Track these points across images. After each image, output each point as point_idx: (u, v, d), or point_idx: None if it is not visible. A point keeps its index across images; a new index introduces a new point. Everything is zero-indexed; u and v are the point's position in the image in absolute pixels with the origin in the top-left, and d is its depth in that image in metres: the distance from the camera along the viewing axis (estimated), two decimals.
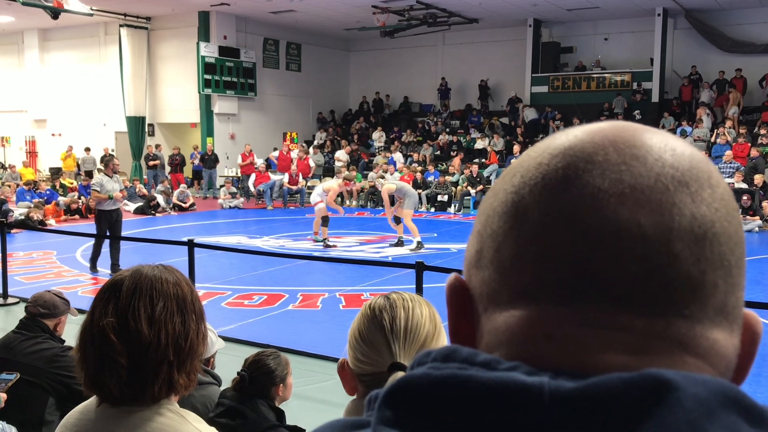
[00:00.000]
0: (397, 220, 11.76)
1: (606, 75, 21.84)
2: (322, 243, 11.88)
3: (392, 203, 11.54)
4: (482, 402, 0.39)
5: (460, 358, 0.42)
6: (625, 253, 0.42)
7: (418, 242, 11.44)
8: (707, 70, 20.61)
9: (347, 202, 19.14)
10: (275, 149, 21.34)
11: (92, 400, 1.49)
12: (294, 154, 20.43)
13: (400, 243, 11.80)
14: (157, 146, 21.89)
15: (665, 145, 0.45)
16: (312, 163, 20.14)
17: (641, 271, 0.42)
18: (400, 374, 1.23)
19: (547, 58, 22.77)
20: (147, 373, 1.42)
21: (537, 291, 0.44)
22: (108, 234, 9.62)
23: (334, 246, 11.89)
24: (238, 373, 2.76)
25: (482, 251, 0.48)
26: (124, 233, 10.19)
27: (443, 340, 1.31)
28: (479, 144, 21.50)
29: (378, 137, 23.45)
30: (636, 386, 0.37)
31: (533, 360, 0.41)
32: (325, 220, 11.84)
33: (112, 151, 22.26)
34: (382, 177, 13.54)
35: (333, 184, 12.32)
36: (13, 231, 12.77)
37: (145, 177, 21.32)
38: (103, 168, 10.01)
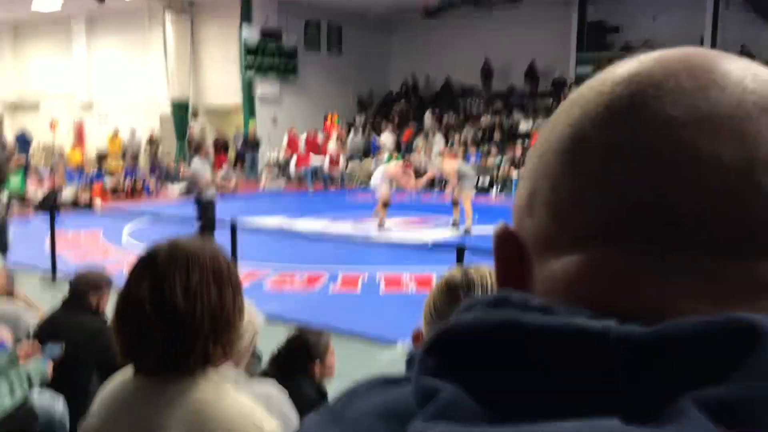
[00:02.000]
0: (455, 203, 11.74)
1: None
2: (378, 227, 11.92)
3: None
4: (538, 348, 0.35)
5: (512, 303, 0.38)
6: (703, 188, 0.37)
7: (466, 229, 11.35)
8: (760, 49, 19.93)
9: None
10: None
11: (129, 371, 1.48)
12: (333, 137, 20.46)
13: (455, 224, 11.76)
14: (202, 129, 22.12)
15: (745, 70, 0.40)
16: (331, 146, 19.98)
17: (722, 207, 0.37)
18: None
19: (593, 37, 22.30)
20: (182, 344, 1.40)
21: (600, 233, 0.39)
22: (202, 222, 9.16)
23: (389, 229, 11.90)
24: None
25: (535, 193, 0.42)
26: (168, 213, 10.33)
27: None
28: (522, 125, 21.21)
29: (429, 120, 22.56)
30: (721, 330, 0.33)
31: (596, 307, 0.36)
32: (385, 205, 11.93)
33: (156, 134, 22.61)
34: (442, 155, 13.53)
35: (393, 168, 12.42)
36: (60, 211, 13.08)
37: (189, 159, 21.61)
38: (193, 153, 9.82)
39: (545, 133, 0.44)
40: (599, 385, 0.34)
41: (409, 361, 0.43)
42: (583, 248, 0.39)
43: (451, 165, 11.88)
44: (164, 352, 1.39)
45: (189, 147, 21.78)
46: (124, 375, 1.50)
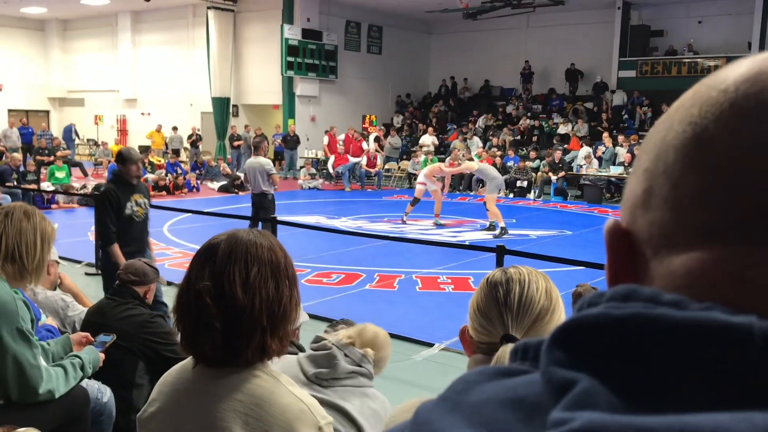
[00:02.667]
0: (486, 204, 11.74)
1: (698, 60, 20.86)
2: (401, 219, 12.36)
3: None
4: (676, 343, 0.35)
5: (642, 297, 0.38)
6: None
7: (502, 228, 11.29)
8: None
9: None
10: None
11: (189, 361, 1.52)
12: (371, 137, 20.49)
13: (491, 227, 11.69)
14: (246, 127, 22.29)
15: None
16: (365, 146, 20.00)
17: None
18: (510, 346, 1.23)
19: (636, 41, 21.98)
20: (241, 337, 1.44)
21: (726, 229, 0.39)
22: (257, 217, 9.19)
23: (406, 223, 12.28)
24: None
25: (652, 190, 0.42)
26: (210, 209, 10.47)
27: (560, 315, 1.32)
28: (562, 129, 21.01)
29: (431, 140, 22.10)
30: None
31: (723, 304, 0.36)
32: (415, 201, 12.24)
33: (199, 130, 22.94)
34: (464, 156, 13.56)
35: (440, 165, 12.71)
36: None
37: (228, 156, 21.87)
38: (255, 151, 9.88)
39: (660, 131, 0.44)
40: (742, 380, 0.34)
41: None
42: (706, 245, 0.39)
43: (468, 165, 11.98)
44: (223, 344, 1.43)
45: (231, 144, 22.05)
46: (184, 364, 1.54)
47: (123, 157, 5.83)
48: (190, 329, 1.47)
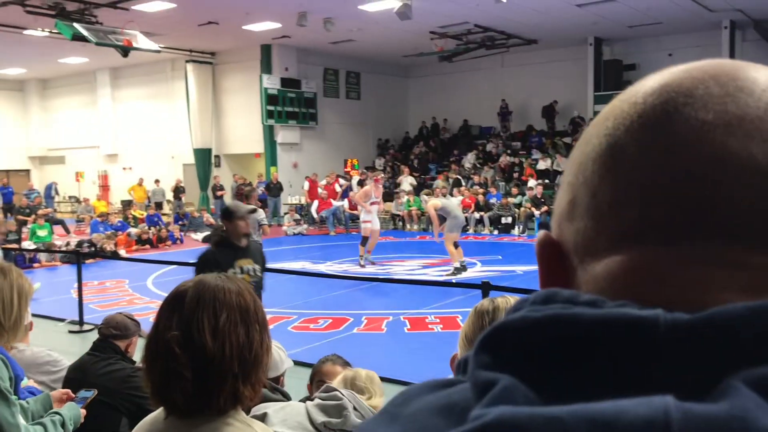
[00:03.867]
0: (455, 244, 11.53)
1: None
2: (360, 261, 12.08)
3: (442, 221, 11.33)
4: (590, 339, 0.37)
5: (561, 299, 0.40)
6: (737, 186, 0.39)
7: (456, 267, 11.11)
8: None
9: (408, 226, 19.13)
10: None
11: (160, 412, 1.49)
12: (354, 181, 20.60)
13: (463, 268, 11.48)
14: (234, 176, 22.19)
15: None
16: (338, 188, 20.07)
17: (756, 203, 0.39)
18: None
19: (610, 76, 22.40)
20: (212, 385, 1.41)
21: (641, 232, 0.41)
22: None
23: (365, 266, 12.08)
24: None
25: (575, 201, 0.45)
26: (193, 260, 10.41)
27: None
28: (541, 165, 21.23)
29: (408, 181, 21.92)
30: (765, 313, 0.35)
31: (641, 302, 0.38)
32: (363, 240, 12.00)
33: (182, 183, 22.94)
34: (428, 194, 13.30)
35: (363, 189, 12.61)
36: (87, 261, 13.24)
37: (212, 207, 21.84)
38: (246, 200, 9.89)
39: (580, 146, 0.46)
40: (650, 369, 0.35)
41: (458, 366, 0.45)
42: (623, 249, 0.41)
43: (434, 202, 11.52)
44: (195, 393, 1.40)
45: (213, 194, 22.05)
46: (156, 415, 1.51)
47: (229, 212, 4.91)
48: (160, 379, 1.44)
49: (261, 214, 9.51)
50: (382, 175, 13.13)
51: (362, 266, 11.91)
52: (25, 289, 2.65)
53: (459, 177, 21.33)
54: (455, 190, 19.50)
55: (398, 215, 19.69)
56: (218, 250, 4.81)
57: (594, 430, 0.32)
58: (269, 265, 8.76)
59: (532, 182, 19.62)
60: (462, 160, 23.40)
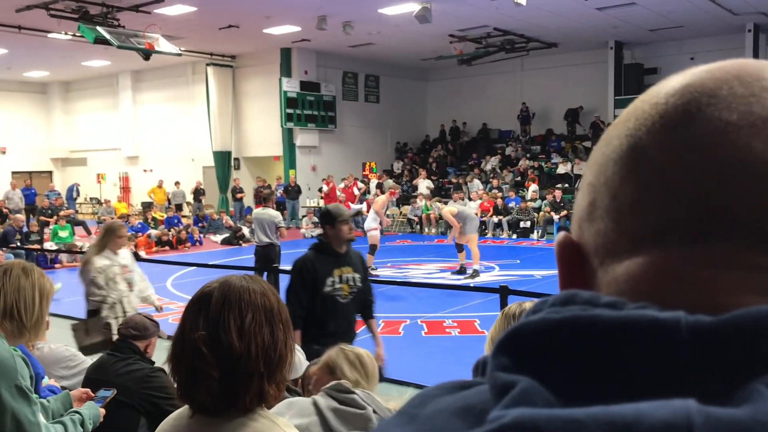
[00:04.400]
0: (459, 247, 11.56)
1: None
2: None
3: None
4: (611, 341, 0.36)
5: (581, 300, 0.39)
6: (761, 188, 0.38)
7: (475, 270, 11.17)
8: None
9: (426, 230, 19.11)
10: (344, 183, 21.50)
11: (185, 410, 1.50)
12: (372, 184, 20.62)
13: (462, 270, 11.61)
14: (257, 179, 22.15)
15: None
16: (356, 191, 20.12)
17: None
18: None
19: (630, 80, 22.24)
20: (239, 384, 1.43)
21: (662, 234, 0.40)
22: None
23: (377, 276, 11.73)
24: None
25: (595, 202, 0.44)
26: (212, 261, 10.48)
27: None
28: (561, 169, 21.12)
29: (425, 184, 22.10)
30: None
31: (661, 304, 0.38)
32: (372, 249, 11.67)
33: (202, 185, 23.11)
34: (440, 201, 13.41)
35: (381, 198, 12.37)
36: None
37: (231, 209, 21.96)
38: (264, 203, 9.98)
39: (601, 147, 0.46)
40: (671, 371, 0.35)
41: (476, 368, 0.44)
42: (644, 251, 0.41)
43: (449, 209, 11.75)
44: (221, 392, 1.42)
45: (233, 197, 22.18)
46: (181, 413, 1.52)
47: (331, 215, 4.40)
48: (187, 379, 1.45)
49: (278, 216, 9.55)
50: (400, 190, 13.02)
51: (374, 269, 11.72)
52: (47, 288, 2.68)
53: (475, 180, 21.25)
54: (473, 193, 19.47)
55: (414, 219, 19.66)
56: (316, 257, 4.29)
57: None
58: (287, 267, 8.80)
59: (534, 187, 19.61)
60: (481, 164, 23.33)
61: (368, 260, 11.52)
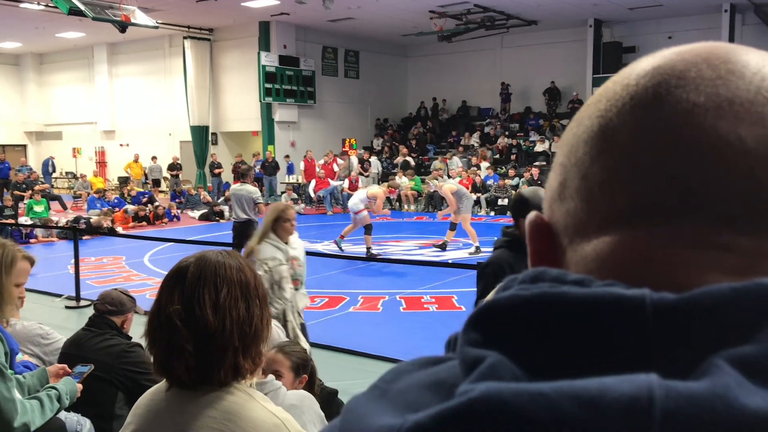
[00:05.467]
0: (453, 226, 11.65)
1: None
2: (367, 252, 11.27)
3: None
4: (578, 317, 0.37)
5: (549, 278, 0.40)
6: (726, 168, 0.39)
7: (477, 247, 11.32)
8: None
9: (406, 207, 19.15)
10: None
11: (162, 384, 1.52)
12: (353, 160, 20.56)
13: (443, 246, 11.70)
14: (237, 156, 21.94)
15: (763, 61, 0.43)
16: (336, 168, 20.08)
17: (745, 186, 0.39)
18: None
19: (609, 58, 22.30)
20: (213, 358, 1.44)
21: (630, 214, 0.41)
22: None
23: (379, 254, 11.54)
24: None
25: (566, 182, 0.45)
26: (189, 237, 10.42)
27: None
28: (539, 147, 21.22)
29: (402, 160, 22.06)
30: (748, 294, 0.36)
31: (628, 282, 0.39)
32: (368, 228, 11.44)
33: (178, 160, 22.88)
34: (437, 178, 13.35)
35: (378, 190, 12.10)
36: (84, 237, 13.24)
37: (209, 185, 21.79)
38: (242, 179, 9.75)
39: (573, 128, 0.47)
40: (636, 347, 0.36)
41: (448, 344, 0.46)
42: (612, 230, 0.42)
43: (449, 186, 11.81)
44: (197, 366, 1.43)
45: (211, 172, 22.01)
46: (158, 387, 1.54)
47: (527, 202, 3.39)
48: (163, 353, 1.47)
49: (257, 192, 9.48)
50: (398, 190, 12.62)
51: (375, 254, 11.21)
52: (8, 260, 2.66)
53: (454, 158, 21.28)
54: (453, 171, 19.51)
55: (393, 196, 19.68)
56: (511, 257, 3.48)
57: (579, 407, 0.32)
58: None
59: (484, 165, 19.79)
60: (461, 141, 23.35)
61: (366, 241, 11.39)
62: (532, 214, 0.48)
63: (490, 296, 0.43)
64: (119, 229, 15.46)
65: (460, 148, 22.38)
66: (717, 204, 0.39)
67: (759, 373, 0.33)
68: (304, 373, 2.89)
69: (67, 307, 8.32)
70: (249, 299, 1.48)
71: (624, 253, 0.41)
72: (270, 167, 21.17)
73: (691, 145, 0.40)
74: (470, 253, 11.22)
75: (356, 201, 11.66)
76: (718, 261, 0.39)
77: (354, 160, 21.09)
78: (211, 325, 1.43)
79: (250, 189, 9.33)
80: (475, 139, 23.26)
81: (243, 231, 9.26)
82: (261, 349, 1.50)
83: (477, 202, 18.39)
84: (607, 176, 0.42)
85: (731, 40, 20.23)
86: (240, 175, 10.09)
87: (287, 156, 22.03)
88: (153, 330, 1.49)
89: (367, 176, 20.83)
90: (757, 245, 0.39)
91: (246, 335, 1.46)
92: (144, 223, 16.65)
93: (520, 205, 3.49)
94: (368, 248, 11.36)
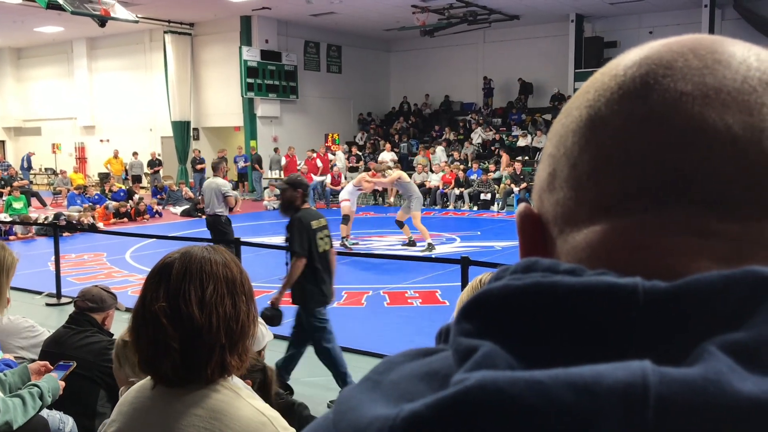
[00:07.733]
0: (400, 224, 11.46)
1: None
2: (341, 242, 11.15)
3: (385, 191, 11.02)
4: (570, 306, 0.37)
5: (541, 267, 0.40)
6: (714, 155, 0.40)
7: (429, 243, 11.15)
8: None
9: (388, 201, 19.15)
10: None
11: (147, 381, 1.50)
12: (340, 155, 20.51)
13: (412, 243, 11.55)
14: (220, 151, 21.77)
15: (748, 51, 0.44)
16: (319, 163, 20.02)
17: (732, 172, 0.40)
18: None
19: (591, 53, 22.43)
20: (200, 356, 1.42)
21: (619, 202, 0.42)
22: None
23: (356, 244, 11.61)
24: None
25: (555, 172, 0.46)
26: (172, 234, 10.34)
27: None
28: (521, 141, 21.30)
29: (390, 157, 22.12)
30: (739, 282, 0.36)
31: (619, 270, 0.39)
32: (345, 219, 11.41)
33: (159, 155, 22.68)
34: (388, 168, 12.96)
35: (362, 176, 12.09)
36: (65, 234, 13.10)
37: (191, 180, 21.65)
38: (213, 172, 9.60)
39: (561, 119, 0.47)
40: (629, 335, 0.36)
41: (439, 335, 0.46)
42: (602, 219, 0.42)
43: (399, 174, 11.54)
44: (183, 363, 1.41)
45: (193, 168, 21.85)
46: (143, 384, 1.52)
47: None
48: (148, 350, 1.45)
49: (226, 185, 9.29)
50: (381, 174, 12.47)
51: (348, 248, 11.19)
52: (8, 262, 2.63)
53: (437, 151, 21.30)
54: (435, 165, 19.55)
55: (378, 190, 19.66)
56: None
57: (574, 394, 0.33)
58: (248, 239, 8.70)
59: (441, 152, 19.67)
60: (443, 135, 23.37)
61: (342, 230, 11.31)
62: (521, 206, 0.48)
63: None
64: (100, 225, 15.32)
65: (444, 144, 22.40)
66: (705, 191, 0.40)
67: (751, 359, 0.34)
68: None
69: (48, 305, 8.24)
70: (235, 295, 1.47)
71: (614, 241, 0.42)
72: (253, 162, 21.10)
73: (679, 133, 0.40)
74: (423, 251, 11.04)
75: (343, 192, 11.70)
76: (708, 248, 0.40)
77: (340, 155, 21.03)
78: (197, 322, 1.41)
79: (220, 182, 9.20)
80: (455, 135, 23.22)
81: (213, 225, 9.12)
82: (248, 346, 1.49)
83: (460, 197, 18.41)
84: (596, 165, 0.43)
85: (711, 34, 20.42)
86: (212, 168, 10.00)
87: (277, 149, 21.86)
88: (138, 327, 1.47)
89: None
90: (745, 231, 0.40)
91: (233, 332, 1.44)
92: (125, 219, 16.52)
93: None
94: (344, 237, 11.28)
